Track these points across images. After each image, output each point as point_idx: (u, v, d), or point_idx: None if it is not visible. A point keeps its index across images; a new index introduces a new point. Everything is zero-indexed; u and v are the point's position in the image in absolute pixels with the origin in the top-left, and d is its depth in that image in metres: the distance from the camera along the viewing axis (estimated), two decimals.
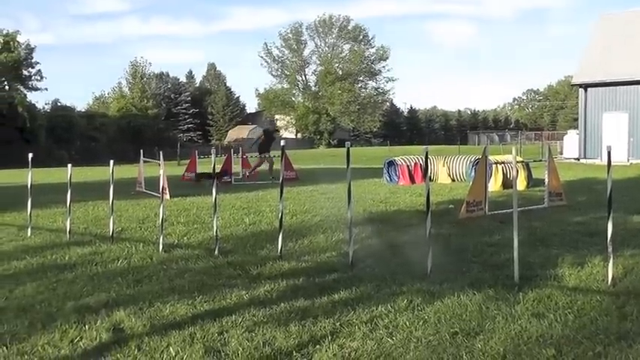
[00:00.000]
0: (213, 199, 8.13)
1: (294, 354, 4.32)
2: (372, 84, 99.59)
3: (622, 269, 6.71)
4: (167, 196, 13.96)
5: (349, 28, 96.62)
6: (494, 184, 16.08)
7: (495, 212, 10.79)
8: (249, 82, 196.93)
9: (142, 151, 18.80)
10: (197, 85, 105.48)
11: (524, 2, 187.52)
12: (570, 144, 41.00)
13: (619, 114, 36.71)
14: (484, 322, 4.93)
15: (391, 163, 19.76)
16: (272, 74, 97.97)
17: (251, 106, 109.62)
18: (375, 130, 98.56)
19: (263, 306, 5.42)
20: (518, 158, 17.84)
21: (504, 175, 16.49)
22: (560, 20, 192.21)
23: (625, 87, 36.46)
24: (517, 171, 16.11)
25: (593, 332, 4.72)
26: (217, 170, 9.85)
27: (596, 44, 40.05)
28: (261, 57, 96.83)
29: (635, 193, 15.46)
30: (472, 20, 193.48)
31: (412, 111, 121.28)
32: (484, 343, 4.46)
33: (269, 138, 22.69)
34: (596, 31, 42.24)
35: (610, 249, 6.18)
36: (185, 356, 4.27)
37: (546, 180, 12.27)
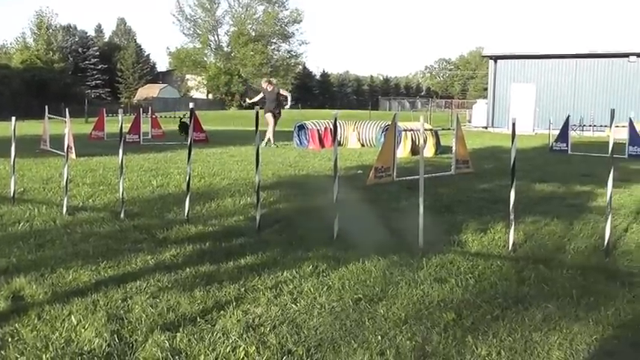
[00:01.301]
0: (120, 160, 7.93)
1: (198, 320, 4.23)
2: (285, 46, 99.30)
3: (523, 235, 6.90)
4: (73, 156, 13.58)
5: None
6: (403, 151, 16.30)
7: (403, 178, 10.91)
8: (160, 40, 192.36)
9: (46, 106, 18.16)
10: (106, 40, 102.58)
11: None
12: (479, 113, 41.92)
13: (526, 85, 37.71)
14: (387, 287, 4.97)
15: (301, 127, 19.80)
16: (184, 33, 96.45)
17: (162, 64, 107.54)
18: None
19: (168, 271, 5.30)
20: (427, 126, 18.10)
21: (413, 141, 16.72)
22: None
23: (533, 60, 37.47)
24: (425, 138, 16.35)
25: (492, 296, 4.82)
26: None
27: (506, 18, 40.88)
28: (173, 15, 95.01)
29: (539, 162, 15.92)
30: None
31: (325, 75, 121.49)
32: (386, 309, 4.49)
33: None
34: (506, 5, 43.05)
35: (512, 216, 6.31)
36: (87, 324, 4.11)
37: (454, 148, 12.48)
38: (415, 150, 16.26)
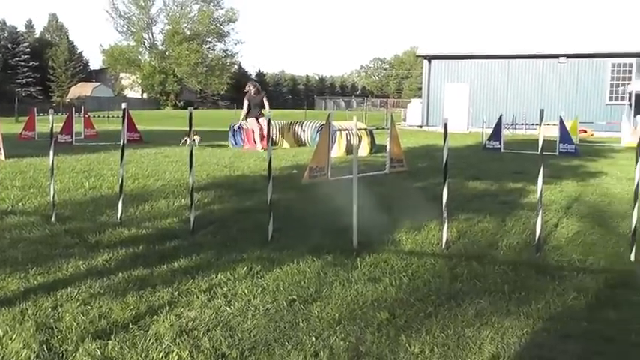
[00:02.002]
0: (51, 162, 7.74)
1: (131, 326, 4.15)
2: (220, 46, 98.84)
3: (456, 233, 7.01)
4: (2, 157, 13.28)
5: None
6: (338, 150, 16.35)
7: (338, 178, 10.94)
8: (93, 37, 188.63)
9: None
10: (37, 36, 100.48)
11: None
12: (414, 112, 42.42)
13: (460, 85, 38.26)
14: (322, 288, 4.98)
15: (237, 127, 19.67)
16: (118, 30, 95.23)
17: (95, 62, 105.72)
18: (222, 92, 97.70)
19: (100, 276, 5.19)
20: (361, 125, 18.21)
21: (348, 141, 16.79)
22: None
23: (466, 60, 38.04)
24: (359, 138, 16.48)
25: (426, 294, 4.88)
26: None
27: (442, 18, 41.46)
28: (107, 11, 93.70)
29: (473, 160, 16.16)
30: None
31: (260, 74, 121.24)
32: (321, 309, 4.50)
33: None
34: (443, 6, 43.71)
35: (445, 214, 6.39)
36: (14, 335, 3.97)
37: (388, 147, 12.58)
38: (350, 149, 16.31)
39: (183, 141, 18.75)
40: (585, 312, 4.57)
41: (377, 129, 18.61)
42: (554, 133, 18.98)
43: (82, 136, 21.78)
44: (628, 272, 5.65)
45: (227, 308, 4.51)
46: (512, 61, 37.31)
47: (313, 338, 3.99)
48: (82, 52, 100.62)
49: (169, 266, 5.54)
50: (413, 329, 4.16)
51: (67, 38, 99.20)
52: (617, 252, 6.33)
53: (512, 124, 31.42)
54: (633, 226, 6.06)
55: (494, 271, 5.54)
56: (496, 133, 20.06)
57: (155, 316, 4.34)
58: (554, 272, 5.52)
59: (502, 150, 19.39)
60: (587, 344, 3.99)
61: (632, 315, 4.51)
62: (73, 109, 22.74)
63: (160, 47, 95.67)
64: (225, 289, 4.93)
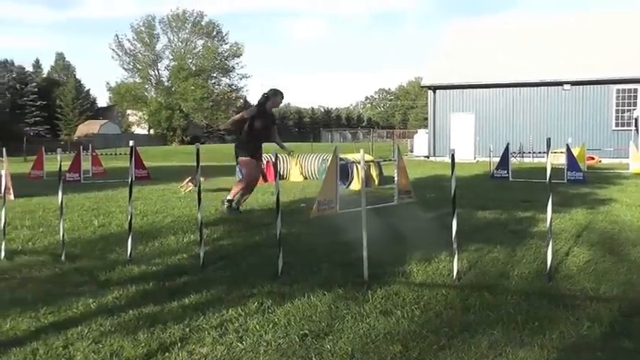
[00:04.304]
0: (60, 200, 7.75)
1: None
2: (225, 80, 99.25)
3: (467, 263, 6.95)
4: (11, 197, 13.30)
5: (202, 23, 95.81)
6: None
7: (346, 210, 10.91)
8: (100, 75, 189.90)
9: None
10: (45, 75, 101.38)
11: (378, 3, 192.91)
12: (420, 142, 42.55)
13: (466, 115, 38.37)
14: (333, 322, 4.94)
15: None
16: (124, 67, 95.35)
17: (102, 100, 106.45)
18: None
19: (111, 314, 5.16)
20: (369, 157, 18.24)
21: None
22: (411, 23, 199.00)
23: (471, 90, 38.18)
24: (366, 170, 16.50)
25: (438, 326, 4.83)
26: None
27: (445, 48, 41.78)
28: (112, 49, 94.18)
29: (480, 189, 16.12)
30: (326, 18, 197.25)
31: None
32: (333, 344, 4.46)
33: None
34: (446, 36, 44.04)
35: (455, 244, 6.35)
36: None
37: (396, 178, 12.57)
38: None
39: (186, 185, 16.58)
40: (600, 342, 4.51)
41: (384, 160, 18.64)
42: (561, 160, 18.96)
43: (90, 174, 21.86)
44: None
45: (239, 344, 4.48)
46: (516, 90, 37.45)
47: None
48: (88, 90, 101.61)
49: (180, 302, 5.51)
50: None
51: (74, 77, 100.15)
52: (630, 280, 6.27)
53: (520, 153, 31.45)
54: None
55: (507, 301, 5.49)
56: (503, 162, 20.06)
57: (167, 353, 4.31)
58: (567, 301, 5.46)
59: (510, 178, 19.38)
60: None
61: None
62: (81, 147, 22.86)
63: (166, 83, 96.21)
64: (236, 324, 4.90)
